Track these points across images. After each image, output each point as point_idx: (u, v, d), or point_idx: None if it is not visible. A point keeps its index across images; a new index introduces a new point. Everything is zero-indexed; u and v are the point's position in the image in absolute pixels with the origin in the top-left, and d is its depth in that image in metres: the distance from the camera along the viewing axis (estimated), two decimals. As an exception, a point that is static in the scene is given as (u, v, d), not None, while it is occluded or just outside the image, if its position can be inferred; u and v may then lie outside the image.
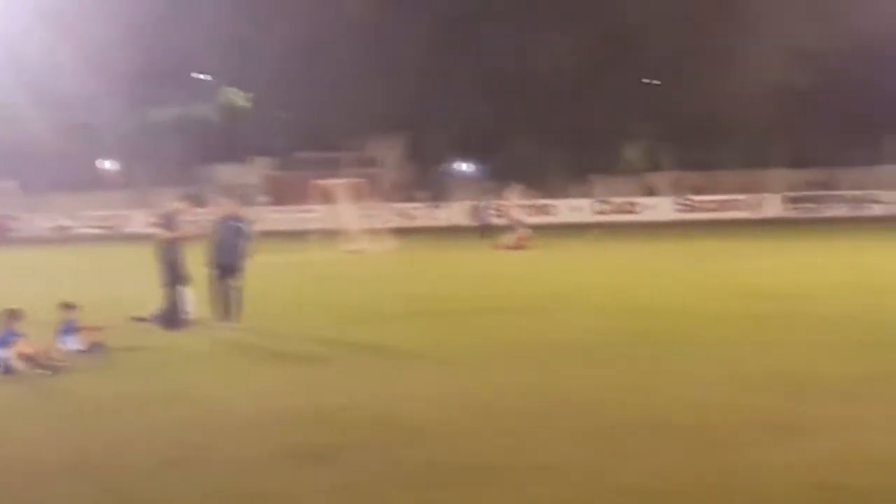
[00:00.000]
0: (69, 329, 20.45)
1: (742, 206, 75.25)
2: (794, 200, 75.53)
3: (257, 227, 25.64)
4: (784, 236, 52.58)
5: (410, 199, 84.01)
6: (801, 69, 76.32)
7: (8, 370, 18.14)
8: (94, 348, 20.18)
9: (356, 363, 18.86)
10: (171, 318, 23.42)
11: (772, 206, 75.07)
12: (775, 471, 11.56)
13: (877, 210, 72.59)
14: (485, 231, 56.72)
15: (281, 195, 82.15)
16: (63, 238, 74.04)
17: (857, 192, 75.77)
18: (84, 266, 44.53)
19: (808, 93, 77.86)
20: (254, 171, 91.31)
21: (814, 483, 11.14)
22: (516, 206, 51.18)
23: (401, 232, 58.40)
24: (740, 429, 13.37)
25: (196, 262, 23.99)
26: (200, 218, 25.22)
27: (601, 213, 76.38)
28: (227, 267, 23.82)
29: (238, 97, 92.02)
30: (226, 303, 23.78)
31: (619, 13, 78.94)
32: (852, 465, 11.71)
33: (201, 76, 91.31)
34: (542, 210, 73.96)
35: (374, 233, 51.38)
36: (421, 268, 40.43)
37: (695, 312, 24.52)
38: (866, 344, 19.40)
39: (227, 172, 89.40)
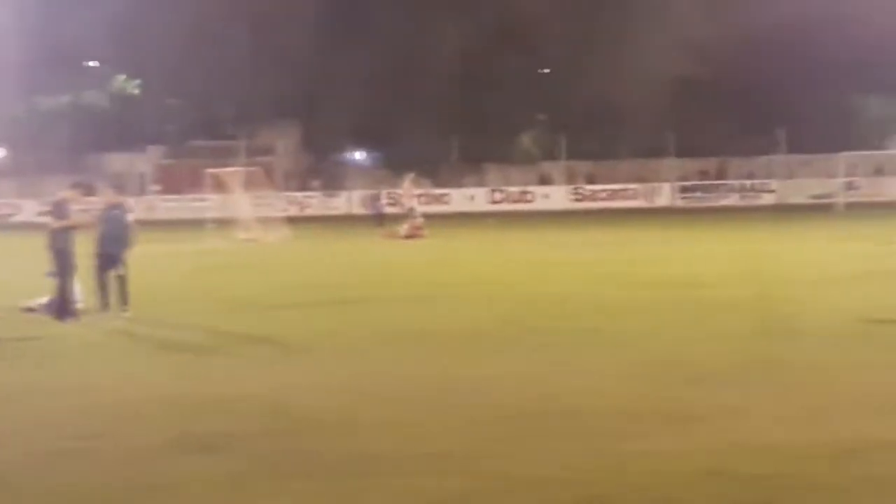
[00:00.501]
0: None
1: (635, 195, 75.88)
2: (687, 190, 76.32)
3: (149, 216, 25.25)
4: (677, 225, 53.08)
5: (304, 187, 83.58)
6: (694, 59, 77.21)
7: None
8: (-21, 339, 19.69)
9: (246, 352, 18.62)
10: (61, 307, 22.95)
11: (665, 195, 75.79)
12: (669, 458, 11.54)
13: (768, 199, 73.60)
14: (379, 220, 56.53)
15: (174, 184, 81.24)
16: (-51, 227, 72.56)
17: (749, 182, 76.78)
18: (-30, 256, 43.58)
19: (701, 83, 78.82)
20: (146, 160, 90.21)
21: (707, 470, 11.13)
22: (411, 195, 51.02)
23: (295, 221, 58.04)
24: (634, 417, 13.35)
25: (85, 251, 23.54)
26: (91, 207, 24.75)
27: (496, 202, 76.55)
28: (110, 256, 23.42)
29: (128, 85, 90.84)
30: (112, 292, 23.37)
31: (513, 1, 79.18)
32: (744, 452, 11.73)
33: (91, 63, 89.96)
34: (437, 199, 73.97)
35: (267, 222, 50.96)
36: (314, 257, 40.21)
37: (589, 301, 24.57)
38: (757, 332, 19.55)
39: (118, 161, 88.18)
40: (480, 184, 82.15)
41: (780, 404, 13.93)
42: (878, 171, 74.50)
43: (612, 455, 11.73)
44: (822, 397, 14.24)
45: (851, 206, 62.42)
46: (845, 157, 68.94)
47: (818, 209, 63.03)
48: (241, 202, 52.01)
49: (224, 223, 51.18)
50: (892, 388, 14.76)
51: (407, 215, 49.91)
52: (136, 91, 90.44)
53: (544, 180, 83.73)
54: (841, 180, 67.76)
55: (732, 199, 74.12)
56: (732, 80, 78.96)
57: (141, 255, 24.14)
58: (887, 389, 14.64)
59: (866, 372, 15.76)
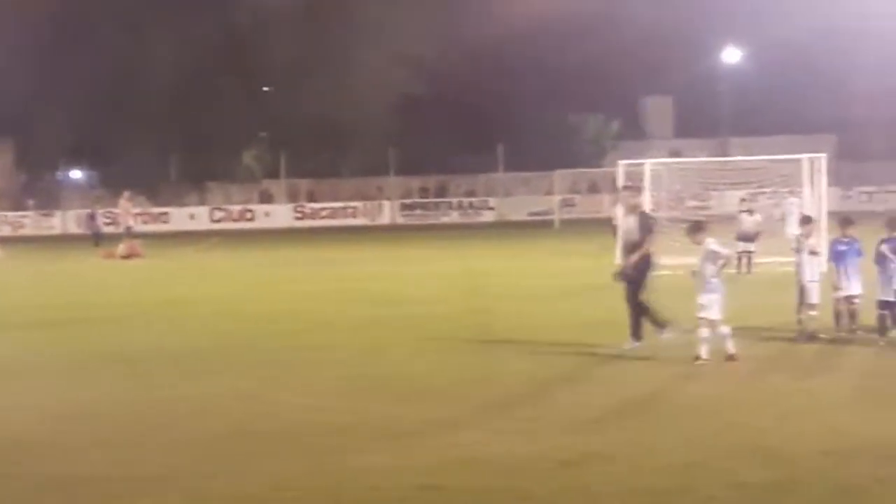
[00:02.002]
0: None
1: (358, 212, 76.15)
2: (408, 207, 77.03)
3: None
4: (399, 243, 53.47)
5: (19, 207, 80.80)
6: (415, 77, 78.08)
7: None
8: None
9: (-48, 378, 17.79)
10: None
11: (386, 213, 76.30)
12: (385, 474, 11.58)
13: (488, 216, 74.94)
14: (98, 239, 55.01)
15: None
16: None
17: (469, 199, 78.06)
18: None
19: (423, 100, 79.72)
20: None
21: (422, 485, 11.21)
22: (129, 213, 49.87)
23: (9, 241, 56.05)
24: (352, 434, 13.35)
25: None
26: None
27: (217, 220, 75.64)
28: None
29: None
30: None
31: (235, 18, 78.54)
32: (458, 466, 11.86)
33: None
34: (158, 218, 72.65)
35: (-22, 242, 48.94)
36: (27, 278, 38.87)
37: (309, 319, 24.48)
38: (476, 347, 19.80)
39: None
40: (201, 202, 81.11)
41: (496, 418, 14.13)
42: (593, 189, 76.80)
43: (330, 472, 11.69)
44: (537, 410, 14.48)
45: (567, 223, 64.08)
46: (562, 174, 70.81)
47: (536, 226, 64.52)
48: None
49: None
50: (604, 400, 15.11)
51: (125, 234, 48.76)
52: None
53: (266, 198, 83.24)
54: (558, 197, 69.56)
55: (453, 217, 75.22)
56: (453, 97, 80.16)
57: None
58: (600, 401, 14.98)
59: (579, 385, 16.11)
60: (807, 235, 20.35)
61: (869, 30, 74.29)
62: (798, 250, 19.94)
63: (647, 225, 18.89)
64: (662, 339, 18.70)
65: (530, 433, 13.25)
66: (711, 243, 17.46)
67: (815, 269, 19.98)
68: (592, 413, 14.30)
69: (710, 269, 17.27)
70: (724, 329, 17.28)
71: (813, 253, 20.02)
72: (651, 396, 15.23)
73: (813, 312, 19.57)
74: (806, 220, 21.15)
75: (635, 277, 18.76)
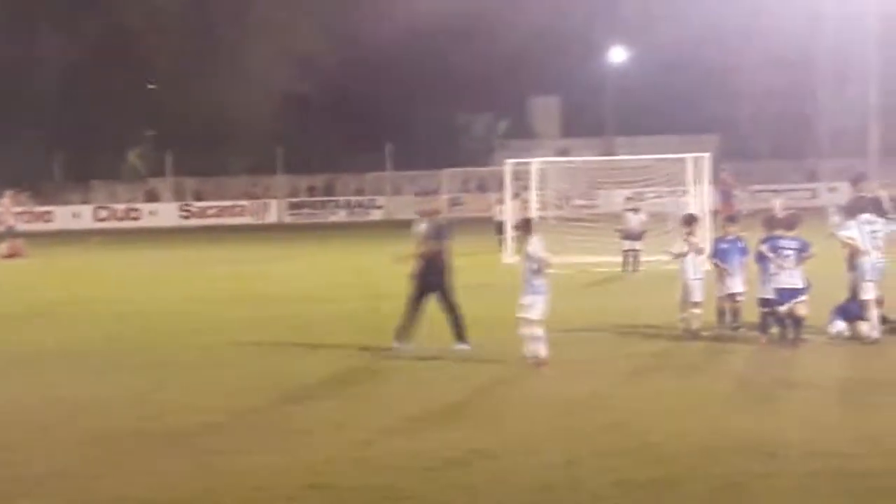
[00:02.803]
0: None
1: (246, 211, 75.58)
2: (296, 206, 76.65)
3: None
4: (286, 242, 53.15)
5: None
6: (303, 75, 77.66)
7: None
8: None
9: None
10: None
11: (274, 212, 75.85)
12: (271, 474, 11.58)
13: (376, 215, 74.85)
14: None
15: None
16: None
17: (357, 198, 77.92)
18: None
19: (310, 99, 79.37)
20: None
21: (308, 484, 11.23)
22: (10, 212, 48.96)
23: None
24: (238, 434, 13.33)
25: None
26: None
27: (102, 219, 74.59)
28: None
29: None
30: None
31: (119, 14, 77.51)
32: (343, 465, 11.91)
33: None
34: (41, 217, 71.44)
35: None
36: None
37: (197, 319, 24.30)
38: (362, 346, 19.76)
39: None
40: (86, 201, 79.88)
41: (383, 416, 14.16)
42: (482, 187, 76.97)
43: (216, 473, 11.67)
44: (422, 409, 14.53)
45: (455, 222, 64.09)
46: (450, 173, 70.97)
47: (424, 224, 64.52)
48: None
49: None
50: (488, 398, 15.22)
51: (6, 234, 47.87)
52: None
53: (151, 197, 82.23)
54: (446, 196, 69.72)
55: (341, 216, 74.98)
56: (342, 96, 79.89)
57: None
58: (483, 400, 15.08)
59: (462, 384, 16.17)
60: (690, 234, 20.65)
61: (753, 30, 75.45)
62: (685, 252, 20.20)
63: (440, 231, 18.97)
64: (396, 348, 18.61)
65: (416, 432, 13.31)
66: (531, 244, 17.08)
67: (698, 268, 20.28)
68: (476, 411, 14.40)
69: (530, 270, 16.99)
70: (539, 331, 16.87)
71: (698, 252, 20.33)
72: (534, 395, 15.34)
73: (696, 310, 19.85)
74: (689, 219, 21.45)
75: (440, 283, 18.72)
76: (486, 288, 26.73)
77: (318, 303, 26.63)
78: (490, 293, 25.57)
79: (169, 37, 78.16)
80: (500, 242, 38.23)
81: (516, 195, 38.07)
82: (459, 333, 18.78)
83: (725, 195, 51.62)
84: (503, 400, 15.09)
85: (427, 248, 18.79)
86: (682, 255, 20.18)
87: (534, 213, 34.35)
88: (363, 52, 77.49)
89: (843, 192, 53.22)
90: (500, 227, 39.84)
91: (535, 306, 16.85)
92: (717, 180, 56.90)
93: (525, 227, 17.74)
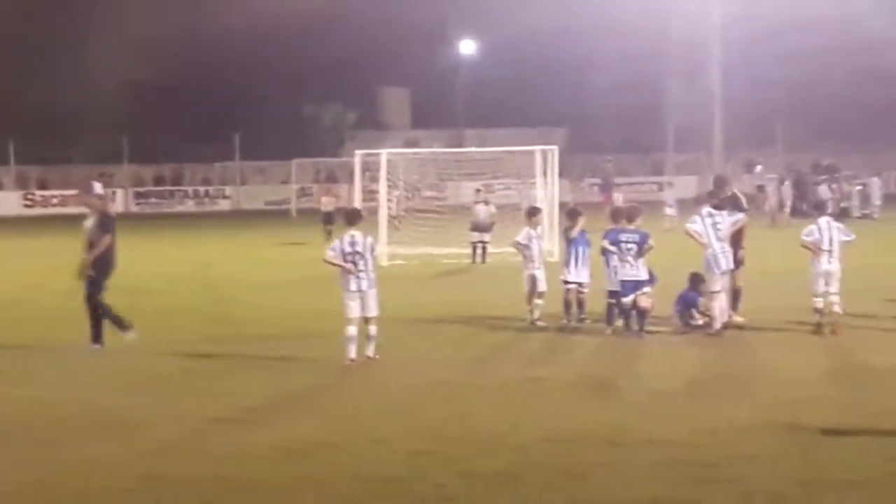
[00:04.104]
0: None
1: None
2: (142, 196, 75.43)
3: None
4: (132, 232, 52.01)
5: None
6: (149, 63, 76.47)
7: None
8: None
9: None
10: None
11: (120, 201, 74.48)
12: (108, 466, 11.36)
13: (224, 205, 74.08)
14: None
15: None
16: None
17: (205, 188, 76.99)
18: None
19: (157, 87, 78.20)
20: None
21: (142, 475, 11.04)
22: None
23: None
24: (75, 426, 13.05)
25: None
26: None
27: (-59, 208, 72.51)
28: None
29: None
30: None
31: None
32: (182, 456, 11.75)
33: None
34: None
35: None
36: None
37: (34, 309, 23.84)
38: (208, 337, 19.53)
39: None
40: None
41: (222, 408, 13.99)
42: (331, 178, 76.69)
43: (50, 466, 11.41)
44: (263, 400, 14.39)
45: (304, 212, 63.80)
46: (299, 163, 70.53)
47: (273, 215, 64.07)
48: None
49: None
50: (329, 390, 15.13)
51: None
52: None
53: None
54: (295, 186, 69.26)
55: (189, 206, 73.98)
56: (189, 85, 78.85)
57: None
58: (324, 391, 14.98)
59: (305, 376, 16.04)
60: (534, 226, 20.79)
61: (602, 25, 76.36)
62: (527, 243, 20.32)
63: (105, 226, 18.71)
64: (127, 339, 18.30)
65: (258, 424, 13.17)
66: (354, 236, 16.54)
67: (542, 259, 20.44)
68: (320, 404, 14.30)
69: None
70: (351, 330, 16.39)
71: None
72: (379, 387, 15.26)
73: (540, 301, 19.99)
74: (533, 212, 21.59)
75: (94, 279, 18.36)
76: (314, 281, 26.59)
77: (161, 294, 26.34)
78: (319, 286, 25.60)
79: (7, 23, 76.19)
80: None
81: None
82: (97, 334, 18.26)
83: (605, 187, 52.79)
84: (347, 392, 14.99)
85: (96, 244, 18.36)
86: (521, 246, 20.30)
87: (382, 204, 34.33)
88: (212, 41, 76.57)
89: (681, 187, 54.75)
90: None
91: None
92: (605, 173, 58.28)
93: (348, 218, 17.13)
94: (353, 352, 16.35)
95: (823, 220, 19.03)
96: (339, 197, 40.08)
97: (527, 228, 20.63)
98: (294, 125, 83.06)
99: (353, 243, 16.39)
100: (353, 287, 16.35)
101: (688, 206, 20.60)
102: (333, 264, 16.51)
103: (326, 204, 42.55)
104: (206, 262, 34.69)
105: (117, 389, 15.15)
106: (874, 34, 75.62)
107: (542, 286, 20.02)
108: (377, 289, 16.50)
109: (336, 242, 16.80)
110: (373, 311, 16.38)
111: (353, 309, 16.35)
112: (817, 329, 18.53)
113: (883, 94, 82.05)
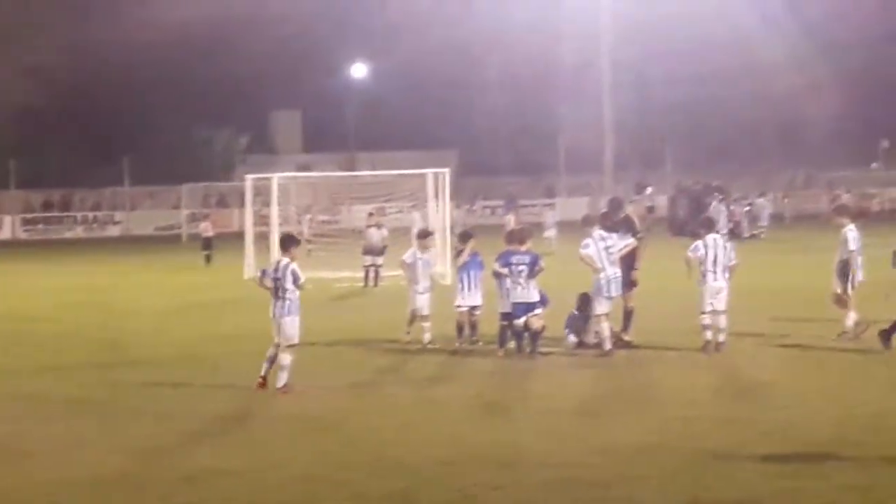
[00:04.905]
0: None
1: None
2: (30, 222, 74.29)
3: None
4: (19, 259, 51.40)
5: None
6: (39, 88, 75.36)
7: None
8: None
9: None
10: None
11: (7, 228, 73.28)
12: (3, 497, 11.24)
13: (114, 231, 73.20)
14: None
15: None
16: None
17: (94, 213, 76.01)
18: None
19: (46, 111, 77.08)
20: None
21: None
22: None
23: None
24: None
25: None
26: None
27: None
28: None
29: None
30: None
31: None
32: (76, 485, 11.59)
33: None
34: None
35: None
36: None
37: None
38: (102, 364, 19.32)
39: None
40: None
41: (118, 435, 13.87)
42: (222, 203, 76.13)
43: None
44: (159, 427, 14.24)
45: (195, 237, 63.24)
46: (189, 188, 69.90)
47: (164, 240, 63.40)
48: None
49: None
50: (224, 416, 14.98)
51: None
52: None
53: None
54: (185, 211, 68.60)
55: (78, 231, 73.02)
56: (78, 109, 77.92)
57: None
58: (219, 417, 14.85)
59: (197, 401, 15.89)
60: (423, 248, 20.85)
61: (494, 48, 76.95)
62: (412, 263, 20.38)
63: None
64: None
65: (152, 451, 13.04)
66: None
67: (428, 282, 20.51)
68: (216, 430, 14.18)
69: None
70: (270, 350, 16.38)
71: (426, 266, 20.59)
72: (275, 413, 15.18)
73: (425, 324, 20.07)
74: (423, 234, 21.68)
75: None
76: (203, 307, 26.47)
77: (49, 321, 25.92)
78: (208, 312, 25.48)
79: None
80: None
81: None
82: None
83: (509, 208, 53.99)
84: (243, 419, 14.87)
85: None
86: (405, 265, 20.40)
87: (273, 228, 34.16)
88: (101, 65, 75.90)
89: (571, 209, 55.38)
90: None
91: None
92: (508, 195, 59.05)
93: (286, 244, 16.94)
94: (263, 370, 16.31)
95: (710, 237, 19.27)
96: (217, 223, 41.03)
97: (413, 248, 20.65)
98: (185, 149, 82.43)
99: (276, 269, 16.40)
100: (270, 312, 16.35)
101: (576, 228, 20.63)
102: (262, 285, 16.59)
103: (206, 230, 42.89)
104: (95, 288, 34.25)
105: (5, 419, 14.88)
106: (762, 58, 77.19)
107: (424, 310, 20.15)
108: (296, 317, 16.23)
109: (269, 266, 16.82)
110: (285, 339, 16.15)
111: (274, 333, 16.31)
112: (705, 347, 18.75)
113: (771, 117, 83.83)
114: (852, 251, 19.62)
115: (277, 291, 16.22)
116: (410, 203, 37.88)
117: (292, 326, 16.18)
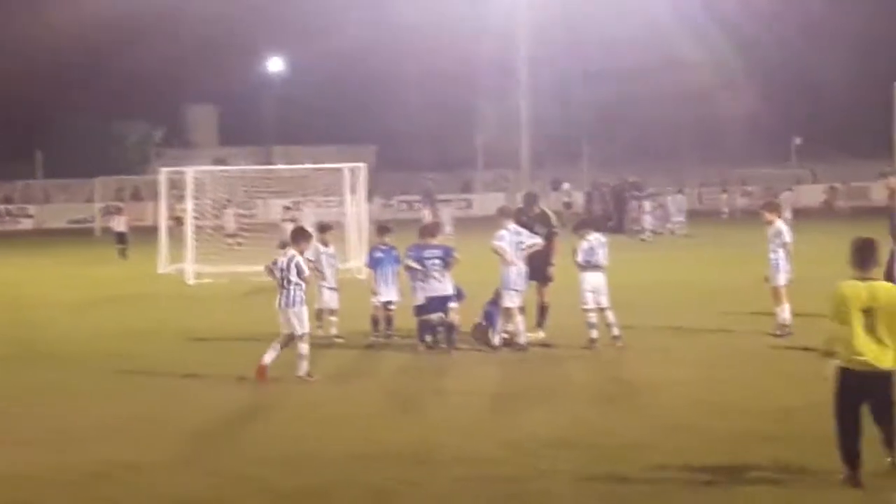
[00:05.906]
0: None
1: None
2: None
3: None
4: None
5: None
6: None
7: None
8: None
9: None
10: None
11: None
12: None
13: (26, 224, 72.20)
14: None
15: None
16: None
17: (6, 206, 74.93)
18: None
19: None
20: None
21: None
22: None
23: None
24: None
25: None
26: None
27: None
28: None
29: None
30: None
31: None
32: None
33: None
34: None
35: None
36: None
37: None
38: (13, 357, 19.20)
39: None
40: None
41: (26, 429, 13.71)
42: (136, 196, 75.33)
43: None
44: (66, 422, 14.03)
45: (108, 231, 62.58)
46: (103, 181, 69.11)
47: (77, 234, 62.62)
48: None
49: None
50: (142, 413, 14.80)
51: None
52: None
53: None
54: (99, 205, 67.78)
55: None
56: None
57: None
58: (125, 414, 14.66)
59: (109, 397, 15.69)
60: (325, 243, 20.72)
61: (414, 44, 76.88)
62: (316, 258, 20.19)
63: None
64: None
65: (63, 446, 12.87)
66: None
67: (334, 276, 20.38)
68: (127, 426, 13.99)
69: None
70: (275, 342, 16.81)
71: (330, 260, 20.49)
72: (186, 409, 14.97)
73: (333, 318, 20.00)
74: (322, 228, 21.58)
75: None
76: (117, 301, 26.22)
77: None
78: (122, 306, 25.24)
79: None
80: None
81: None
82: None
83: (427, 203, 54.21)
84: (153, 414, 14.66)
85: None
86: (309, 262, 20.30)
87: (188, 222, 33.84)
88: (13, 56, 74.83)
89: (488, 203, 55.53)
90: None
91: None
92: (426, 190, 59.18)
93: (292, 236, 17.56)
94: (266, 360, 16.47)
95: (593, 236, 19.21)
96: (129, 217, 41.25)
97: (315, 243, 20.45)
98: (99, 142, 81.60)
99: (282, 261, 16.70)
100: (276, 304, 16.69)
101: (491, 222, 20.54)
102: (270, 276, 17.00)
103: (118, 224, 42.62)
104: (7, 282, 33.72)
105: None
106: (679, 56, 77.80)
107: (332, 304, 20.08)
108: (302, 307, 16.55)
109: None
110: (295, 329, 16.48)
111: (281, 325, 16.65)
112: (590, 344, 18.71)
113: (688, 113, 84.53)
114: (787, 242, 19.66)
115: (283, 283, 16.53)
116: (327, 197, 37.66)
117: (299, 317, 16.47)
